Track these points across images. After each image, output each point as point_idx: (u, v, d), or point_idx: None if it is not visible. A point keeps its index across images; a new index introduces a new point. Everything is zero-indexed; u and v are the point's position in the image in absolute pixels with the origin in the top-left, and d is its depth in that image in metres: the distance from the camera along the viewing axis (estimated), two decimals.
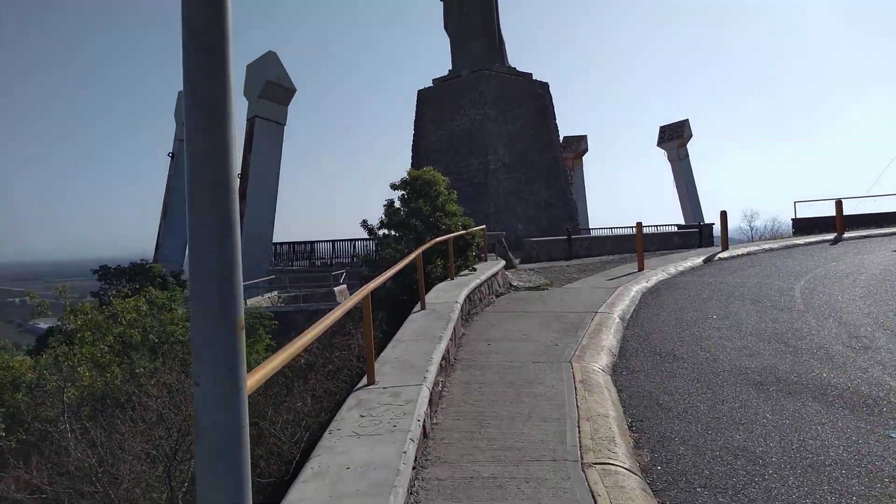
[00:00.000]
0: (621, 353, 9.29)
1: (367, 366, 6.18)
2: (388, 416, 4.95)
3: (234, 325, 1.94)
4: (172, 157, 34.83)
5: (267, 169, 30.97)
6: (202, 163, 1.87)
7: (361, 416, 4.99)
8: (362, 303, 6.01)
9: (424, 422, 5.43)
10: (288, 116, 34.01)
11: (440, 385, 7.13)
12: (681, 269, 17.71)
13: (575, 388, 7.05)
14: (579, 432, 5.60)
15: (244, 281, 25.12)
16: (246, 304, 20.05)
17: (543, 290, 15.34)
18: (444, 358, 7.46)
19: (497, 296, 14.36)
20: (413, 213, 13.97)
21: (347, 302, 5.68)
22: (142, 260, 25.41)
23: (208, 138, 1.87)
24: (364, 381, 6.13)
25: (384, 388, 5.84)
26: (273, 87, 32.24)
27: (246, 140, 31.04)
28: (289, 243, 35.22)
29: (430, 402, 6.01)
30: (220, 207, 1.91)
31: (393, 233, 14.35)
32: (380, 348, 7.67)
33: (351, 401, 5.53)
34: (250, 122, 31.13)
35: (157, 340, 10.15)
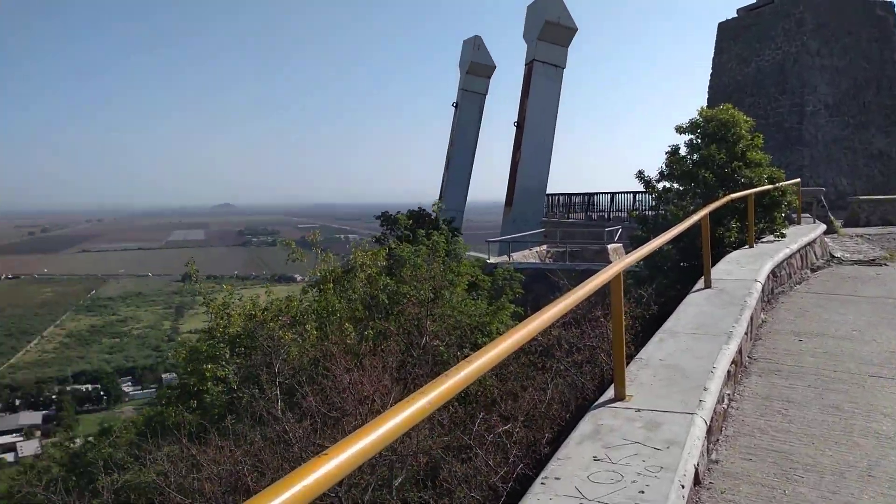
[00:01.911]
0: None
1: (614, 372, 4.48)
2: (634, 468, 3.24)
3: None
4: (456, 108, 35.58)
5: (544, 116, 29.72)
6: None
7: (595, 460, 3.35)
8: (611, 284, 4.27)
9: (696, 471, 3.60)
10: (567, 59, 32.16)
11: (725, 400, 5.09)
12: None
13: None
14: None
15: (515, 233, 24.54)
16: (510, 258, 19.31)
17: (880, 265, 11.64)
18: (733, 362, 5.36)
19: (813, 270, 11.20)
20: (702, 161, 11.40)
21: (589, 282, 4.01)
22: (419, 207, 26.32)
23: None
24: (610, 392, 4.44)
25: (637, 410, 4.08)
26: (553, 28, 30.55)
27: (523, 86, 30.07)
28: (566, 195, 33.90)
29: (709, 430, 4.11)
30: None
31: (675, 186, 11.97)
32: (642, 339, 5.86)
33: (585, 426, 3.89)
34: (528, 66, 30.01)
35: (387, 301, 9.59)
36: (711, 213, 8.01)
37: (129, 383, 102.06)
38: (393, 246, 12.19)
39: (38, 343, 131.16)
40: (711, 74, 33.88)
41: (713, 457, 4.33)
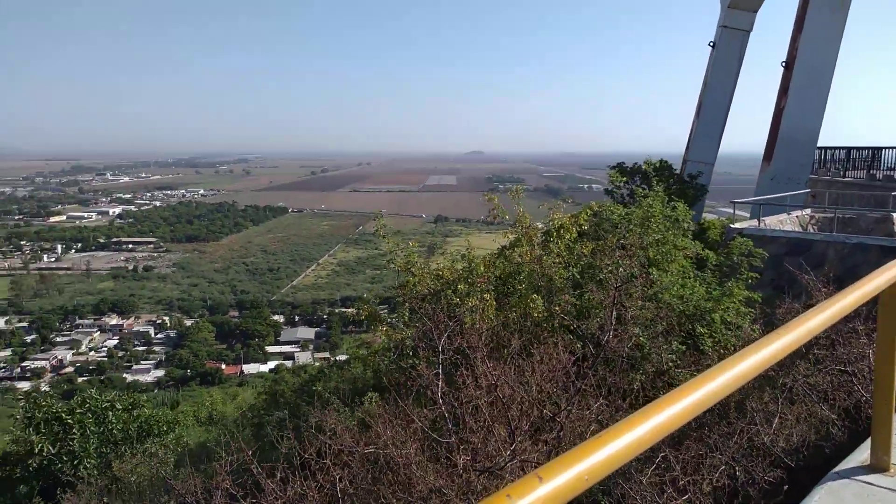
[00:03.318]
0: None
1: (872, 427, 2.95)
2: None
3: None
4: (713, 47, 31.37)
5: (820, 54, 24.61)
6: None
7: None
8: (882, 298, 2.73)
9: None
10: None
11: None
12: None
13: None
14: None
15: (772, 193, 21.01)
16: (762, 223, 16.35)
17: None
18: None
19: None
20: None
21: (848, 294, 2.58)
22: (661, 159, 23.82)
23: None
24: (862, 454, 2.93)
25: None
26: None
27: (797, 18, 25.12)
28: (843, 148, 28.28)
29: None
30: None
31: None
32: None
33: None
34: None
35: (578, 277, 8.24)
36: None
37: (386, 310, 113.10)
38: (595, 207, 10.74)
39: (315, 269, 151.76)
40: None
41: None
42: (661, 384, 6.80)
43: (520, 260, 8.96)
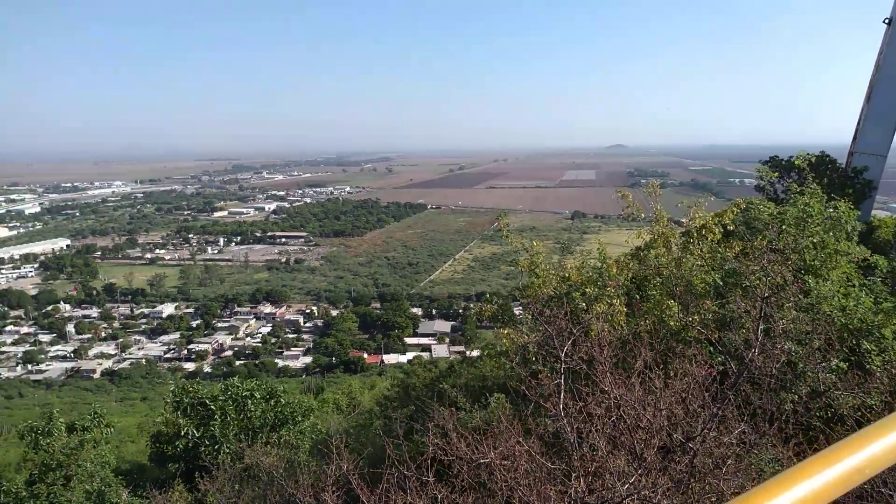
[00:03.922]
0: None
1: None
2: None
3: None
4: (889, 24, 27.84)
5: None
6: None
7: None
8: None
9: None
10: None
11: None
12: None
13: None
14: None
15: None
16: None
17: None
18: None
19: None
20: None
21: None
22: (821, 152, 21.46)
23: None
24: None
25: None
26: None
27: None
28: None
29: None
30: None
31: None
32: None
33: None
34: None
35: (720, 283, 7.32)
36: None
37: (520, 309, 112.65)
38: (742, 204, 9.67)
39: (451, 264, 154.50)
40: None
41: None
42: (818, 408, 5.96)
43: (655, 262, 8.27)
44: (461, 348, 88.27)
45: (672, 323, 6.70)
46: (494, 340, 9.41)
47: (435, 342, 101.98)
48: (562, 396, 5.01)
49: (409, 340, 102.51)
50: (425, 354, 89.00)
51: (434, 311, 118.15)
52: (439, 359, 63.81)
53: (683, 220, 10.29)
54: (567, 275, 8.57)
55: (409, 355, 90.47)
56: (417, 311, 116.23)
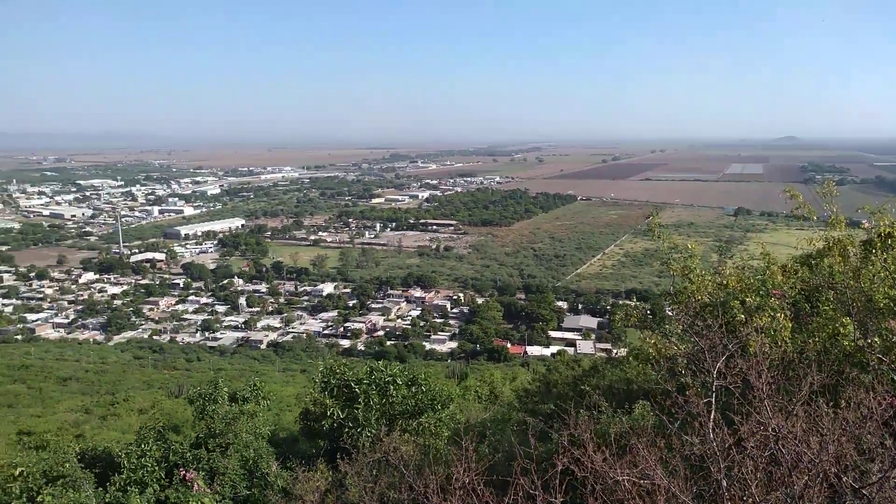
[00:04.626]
0: None
1: None
2: None
3: None
4: None
5: None
6: None
7: None
8: None
9: None
10: None
11: None
12: None
13: None
14: None
15: None
16: None
17: None
18: None
19: None
20: None
21: None
22: None
23: None
24: None
25: None
26: None
27: None
28: None
29: None
30: None
31: None
32: None
33: None
34: None
35: (891, 303, 6.19)
36: None
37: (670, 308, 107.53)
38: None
39: (600, 258, 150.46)
40: None
41: None
42: None
43: (829, 272, 7.34)
44: (607, 346, 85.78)
45: (846, 343, 5.88)
46: (641, 345, 8.89)
47: (580, 338, 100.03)
48: (712, 416, 4.60)
49: (553, 334, 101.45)
50: (570, 349, 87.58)
51: (580, 306, 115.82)
52: (583, 356, 62.46)
53: (864, 224, 9.08)
54: (725, 281, 7.83)
55: (553, 349, 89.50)
56: (563, 304, 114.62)
